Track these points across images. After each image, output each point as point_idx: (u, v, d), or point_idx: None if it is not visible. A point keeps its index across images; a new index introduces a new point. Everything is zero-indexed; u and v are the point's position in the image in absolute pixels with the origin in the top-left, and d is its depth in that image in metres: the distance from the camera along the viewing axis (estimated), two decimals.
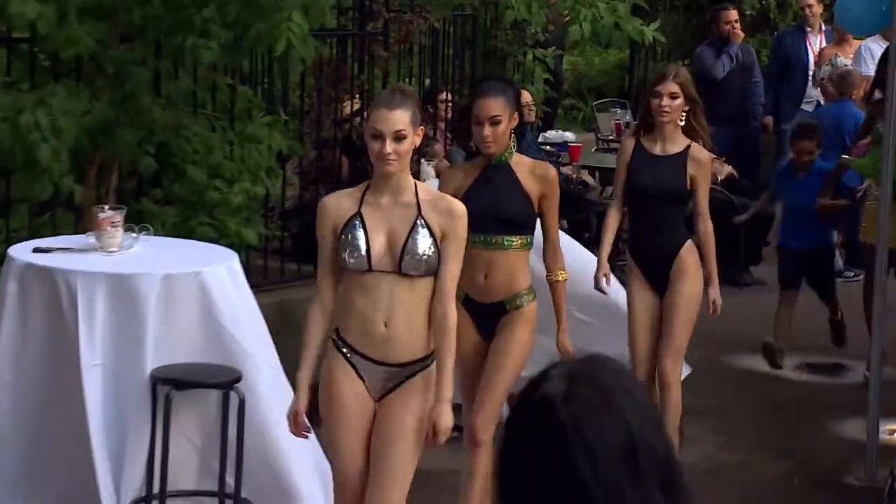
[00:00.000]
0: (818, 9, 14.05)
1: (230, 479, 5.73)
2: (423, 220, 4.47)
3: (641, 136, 6.33)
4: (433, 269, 4.52)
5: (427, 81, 11.33)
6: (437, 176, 9.47)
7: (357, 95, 10.64)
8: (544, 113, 12.14)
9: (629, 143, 6.35)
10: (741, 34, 13.31)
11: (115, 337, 5.71)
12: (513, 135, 5.13)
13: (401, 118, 4.44)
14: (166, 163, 8.32)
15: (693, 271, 6.20)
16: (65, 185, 7.75)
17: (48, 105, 7.42)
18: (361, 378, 4.53)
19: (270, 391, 5.92)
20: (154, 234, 6.83)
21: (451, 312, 4.55)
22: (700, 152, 6.18)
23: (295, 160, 9.99)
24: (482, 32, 10.95)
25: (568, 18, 9.68)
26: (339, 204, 4.60)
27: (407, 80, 11.16)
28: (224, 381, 5.93)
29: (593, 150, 12.71)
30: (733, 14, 13.38)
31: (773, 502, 7.66)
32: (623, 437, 1.96)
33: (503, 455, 2.11)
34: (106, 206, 6.70)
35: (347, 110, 10.62)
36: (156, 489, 5.66)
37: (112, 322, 5.73)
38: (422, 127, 4.71)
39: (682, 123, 6.15)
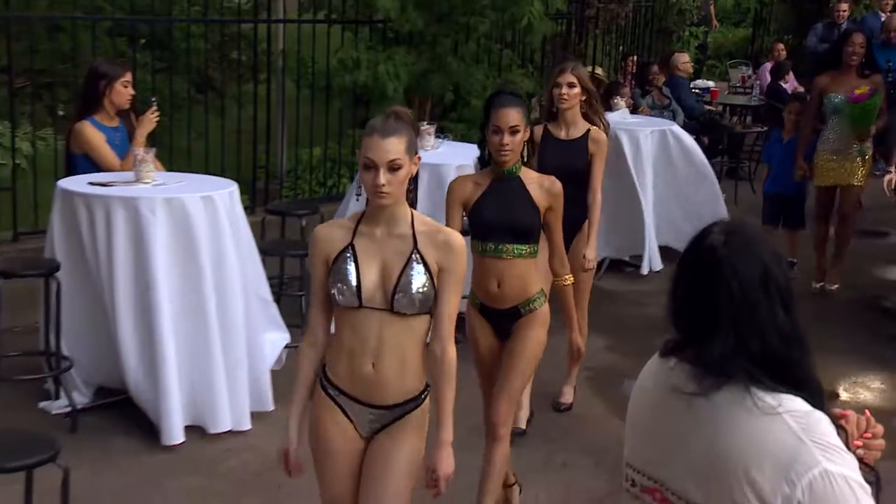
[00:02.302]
0: None
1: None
2: (418, 255, 3.59)
3: (548, 123, 5.98)
4: (428, 306, 3.62)
5: (621, 49, 12.05)
6: (626, 106, 9.67)
7: (577, 57, 10.59)
8: (694, 69, 12.59)
9: (538, 131, 5.84)
10: (844, 16, 12.75)
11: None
12: (526, 146, 4.53)
13: (395, 147, 3.51)
14: (459, 97, 9.54)
15: (587, 237, 5.99)
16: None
17: (393, 61, 8.90)
18: (349, 418, 3.73)
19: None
20: (449, 141, 8.20)
21: (451, 351, 3.67)
22: (598, 134, 5.86)
23: (537, 97, 9.75)
24: (658, 16, 11.82)
25: (713, 7, 11.52)
26: (331, 234, 3.72)
27: (610, 48, 11.84)
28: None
29: (726, 93, 13.28)
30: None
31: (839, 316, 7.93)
32: (760, 270, 2.32)
33: (676, 286, 2.46)
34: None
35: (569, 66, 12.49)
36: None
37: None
38: (418, 155, 3.68)
39: (583, 110, 5.89)
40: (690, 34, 13.06)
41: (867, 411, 2.53)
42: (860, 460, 2.32)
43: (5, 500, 4.00)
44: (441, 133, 8.09)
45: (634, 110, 9.87)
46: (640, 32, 12.07)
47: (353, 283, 3.57)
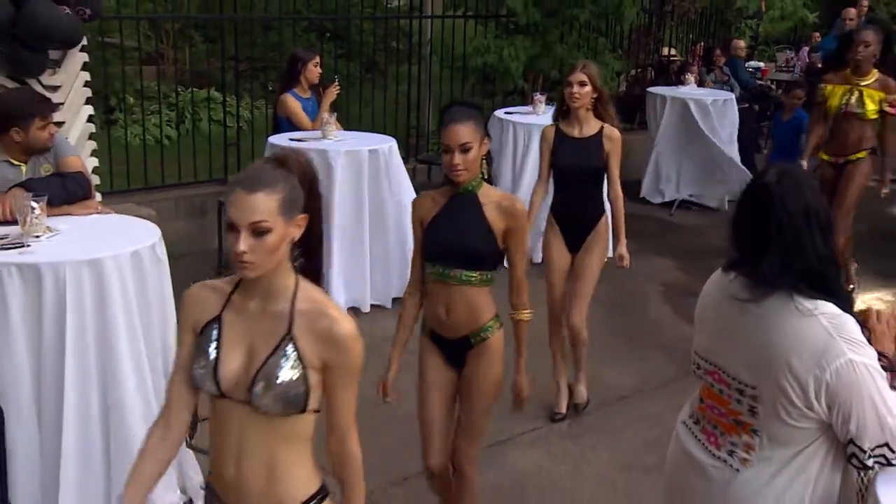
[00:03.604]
0: None
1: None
2: (292, 342, 2.14)
3: (560, 122, 4.66)
4: (300, 405, 2.14)
5: (691, 37, 11.80)
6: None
7: (655, 44, 11.23)
8: (748, 52, 12.23)
9: (551, 130, 4.65)
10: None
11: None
12: (484, 161, 3.26)
13: (263, 205, 2.08)
14: (563, 75, 10.47)
15: (605, 238, 4.72)
16: (519, 83, 9.13)
17: (514, 46, 8.79)
18: None
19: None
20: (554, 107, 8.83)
21: (351, 448, 2.25)
22: (612, 131, 4.57)
23: (623, 75, 10.56)
24: (720, 10, 11.46)
25: (765, 4, 10.58)
26: (202, 298, 2.26)
27: (682, 35, 11.55)
28: None
29: (774, 71, 12.94)
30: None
31: (856, 244, 6.91)
32: (804, 204, 2.25)
33: (737, 214, 2.37)
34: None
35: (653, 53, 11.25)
36: None
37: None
38: (304, 215, 2.17)
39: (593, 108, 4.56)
40: (746, 25, 12.69)
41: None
42: (879, 354, 2.27)
43: None
44: (549, 102, 7.82)
45: (701, 84, 9.69)
46: (706, 23, 11.79)
47: (212, 366, 2.18)
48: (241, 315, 2.22)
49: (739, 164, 8.57)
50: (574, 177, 4.56)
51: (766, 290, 2.26)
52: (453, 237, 3.25)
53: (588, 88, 4.52)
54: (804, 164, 6.39)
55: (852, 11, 10.38)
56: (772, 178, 2.30)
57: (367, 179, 5.90)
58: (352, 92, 8.34)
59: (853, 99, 6.08)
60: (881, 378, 2.19)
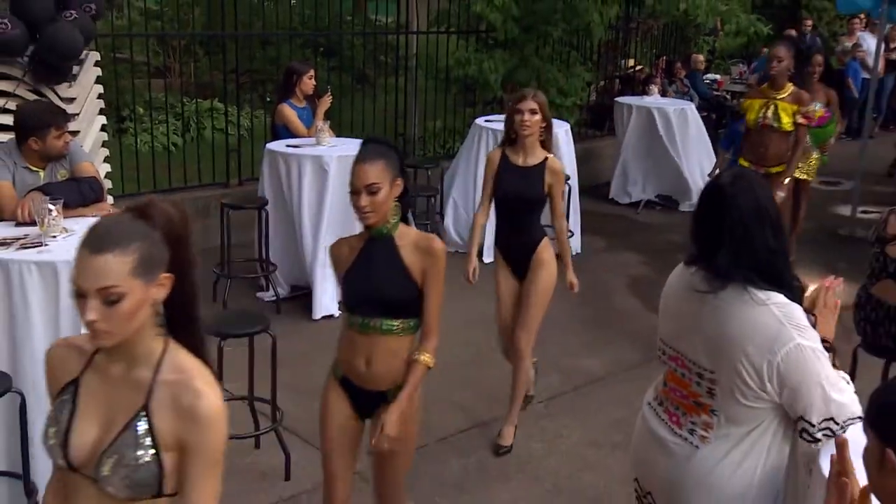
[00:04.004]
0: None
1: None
2: (146, 417, 1.70)
3: (506, 148, 4.20)
4: (149, 489, 1.69)
5: (654, 51, 11.67)
6: None
7: (622, 58, 11.18)
8: (706, 65, 12.33)
9: (496, 155, 4.22)
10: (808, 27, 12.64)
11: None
12: (398, 203, 2.80)
13: (113, 268, 1.63)
14: (539, 85, 8.72)
15: (548, 262, 4.20)
16: (498, 93, 8.97)
17: (493, 59, 8.73)
18: None
19: None
20: None
21: None
22: (555, 163, 4.13)
23: (593, 85, 10.57)
24: (680, 28, 11.46)
25: (721, 21, 10.20)
26: (65, 357, 1.82)
27: (646, 50, 11.41)
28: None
29: (728, 82, 12.78)
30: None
31: (805, 240, 7.11)
32: (755, 204, 2.26)
33: (696, 213, 2.37)
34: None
35: (621, 65, 11.23)
36: None
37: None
38: (168, 275, 1.75)
39: (541, 138, 4.14)
40: (703, 41, 12.91)
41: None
42: (823, 340, 2.30)
43: (236, 357, 4.01)
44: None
45: (664, 94, 9.76)
46: (667, 39, 11.83)
47: (62, 435, 1.76)
48: (102, 379, 1.77)
49: (685, 174, 8.66)
50: (515, 205, 4.17)
51: (723, 282, 2.26)
52: (371, 285, 2.79)
53: (538, 117, 4.11)
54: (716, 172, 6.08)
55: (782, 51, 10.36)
56: (726, 180, 2.31)
57: None
58: (344, 102, 8.31)
59: (769, 112, 5.88)
60: (825, 359, 2.23)
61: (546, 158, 4.16)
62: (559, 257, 4.29)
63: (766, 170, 5.91)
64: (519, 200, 4.14)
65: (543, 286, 4.22)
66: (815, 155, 6.82)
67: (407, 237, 2.83)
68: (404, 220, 2.86)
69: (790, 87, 5.91)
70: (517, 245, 4.24)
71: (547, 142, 4.18)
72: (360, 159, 2.74)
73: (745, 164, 5.98)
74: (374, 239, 2.83)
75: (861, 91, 10.92)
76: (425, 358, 2.82)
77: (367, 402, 2.88)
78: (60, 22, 4.84)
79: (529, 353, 4.30)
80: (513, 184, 4.16)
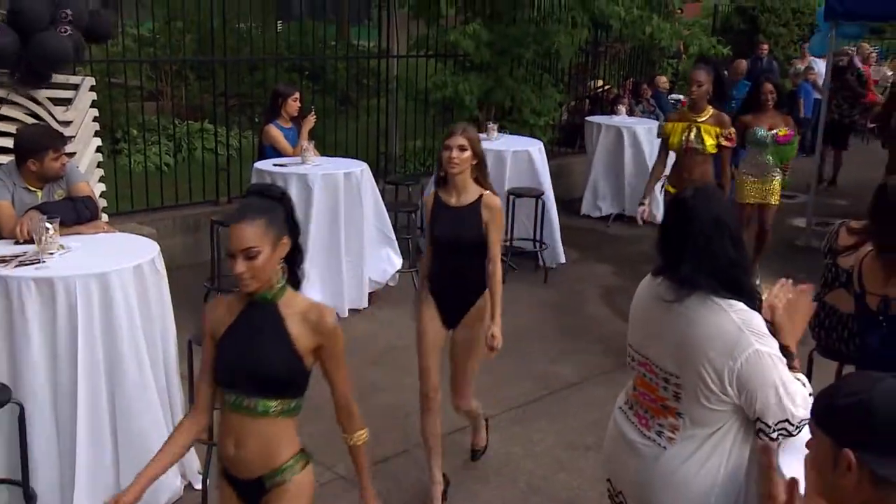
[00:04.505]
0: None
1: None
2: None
3: (439, 189, 3.70)
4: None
5: (622, 73, 11.64)
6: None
7: (591, 79, 11.11)
8: (670, 86, 12.23)
9: (430, 198, 3.74)
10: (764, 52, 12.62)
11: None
12: (284, 264, 2.32)
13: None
14: (514, 105, 9.19)
15: (485, 316, 3.62)
16: (474, 113, 8.84)
17: (469, 81, 8.70)
18: None
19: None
20: (507, 134, 7.86)
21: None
22: (491, 200, 3.62)
23: (564, 105, 10.51)
24: (646, 51, 11.40)
25: (684, 45, 10.47)
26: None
27: (614, 72, 11.43)
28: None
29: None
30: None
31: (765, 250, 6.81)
32: (716, 216, 2.27)
33: (661, 226, 2.39)
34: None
35: (590, 86, 11.07)
36: None
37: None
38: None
39: (474, 175, 3.62)
40: (668, 63, 12.91)
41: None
42: (781, 346, 2.32)
43: None
44: (501, 129, 7.98)
45: (631, 113, 9.78)
46: (634, 62, 11.86)
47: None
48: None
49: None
50: (450, 248, 3.64)
51: (687, 291, 2.27)
52: (247, 358, 2.28)
53: (468, 154, 3.59)
54: (644, 203, 5.73)
55: (743, 64, 10.58)
56: (689, 194, 2.34)
57: (342, 199, 5.86)
58: (328, 122, 8.30)
59: (692, 135, 5.55)
60: (782, 364, 2.25)
61: (482, 196, 3.64)
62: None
63: None
64: (455, 243, 3.61)
65: (481, 341, 3.62)
66: (776, 178, 6.59)
67: (294, 305, 2.32)
68: (294, 283, 2.37)
69: (710, 110, 5.61)
70: (454, 292, 3.66)
71: (481, 178, 3.67)
72: (237, 218, 2.22)
73: (671, 189, 5.73)
74: (254, 305, 2.32)
75: (813, 111, 11.02)
76: (359, 438, 2.45)
77: (249, 493, 2.35)
78: (50, 31, 4.83)
79: (476, 407, 3.93)
80: (447, 226, 3.64)
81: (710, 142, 5.57)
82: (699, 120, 5.60)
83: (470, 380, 3.78)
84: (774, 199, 6.62)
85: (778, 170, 6.55)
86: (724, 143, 5.58)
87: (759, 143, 6.42)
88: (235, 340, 2.32)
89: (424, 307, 3.71)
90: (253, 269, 2.23)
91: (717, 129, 5.58)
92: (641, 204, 5.75)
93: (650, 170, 6.19)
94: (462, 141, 3.59)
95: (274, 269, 2.29)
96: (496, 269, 3.60)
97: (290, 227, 2.32)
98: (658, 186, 6.21)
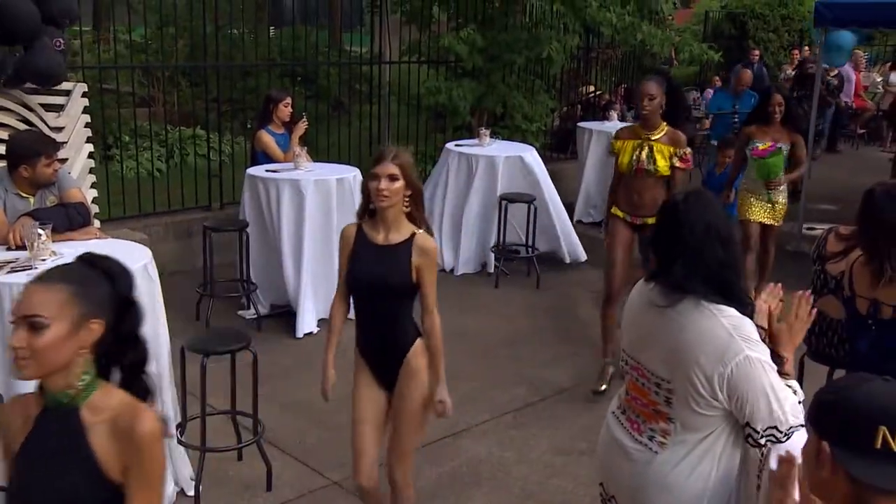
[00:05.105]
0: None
1: None
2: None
3: (364, 222, 3.12)
4: None
5: (614, 79, 11.74)
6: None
7: (582, 85, 11.12)
8: None
9: (351, 231, 3.13)
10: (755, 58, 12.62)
11: None
12: (94, 356, 1.72)
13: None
14: (506, 111, 9.25)
15: (421, 370, 3.10)
16: (466, 119, 8.98)
17: (462, 87, 8.76)
18: None
19: None
20: (499, 140, 7.87)
21: None
22: (426, 241, 3.05)
23: (556, 111, 10.55)
24: (637, 57, 11.46)
25: (675, 51, 10.33)
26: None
27: (606, 78, 11.45)
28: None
29: None
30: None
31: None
32: (706, 220, 2.28)
33: (654, 232, 2.40)
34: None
35: (582, 91, 11.13)
36: None
37: None
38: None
39: (407, 209, 3.06)
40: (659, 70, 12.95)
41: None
42: (772, 351, 2.33)
43: (219, 373, 3.99)
44: (494, 135, 7.99)
45: (623, 119, 9.74)
46: (625, 68, 11.90)
47: None
48: None
49: None
50: (373, 293, 3.05)
51: (679, 295, 2.28)
52: (37, 484, 1.69)
53: (400, 184, 3.00)
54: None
55: (748, 74, 10.26)
56: (679, 198, 2.35)
57: (335, 204, 5.82)
58: (320, 128, 8.29)
59: (643, 154, 4.90)
60: (772, 371, 2.25)
61: (414, 235, 3.05)
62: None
63: (641, 220, 5.00)
64: (379, 289, 3.03)
65: (416, 405, 3.11)
66: (781, 200, 6.14)
67: (104, 409, 1.71)
68: (132, 389, 1.76)
69: (664, 127, 4.94)
70: (381, 346, 3.12)
71: (416, 213, 3.08)
72: (35, 278, 1.72)
73: (619, 213, 5.10)
74: (50, 411, 1.72)
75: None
76: None
77: None
78: (44, 44, 4.84)
79: (410, 483, 3.25)
80: (370, 267, 3.05)
81: (662, 163, 4.90)
82: (652, 138, 4.93)
83: (407, 450, 3.18)
84: (770, 220, 6.18)
85: (782, 188, 6.09)
86: (677, 164, 4.92)
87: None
88: (27, 457, 1.73)
89: (357, 371, 3.16)
90: (33, 346, 1.65)
91: (672, 149, 4.91)
92: (606, 226, 5.14)
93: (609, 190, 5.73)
94: (393, 169, 3.00)
95: (70, 359, 1.69)
96: (433, 323, 3.08)
97: (114, 311, 1.75)
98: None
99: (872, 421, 1.42)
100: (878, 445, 1.40)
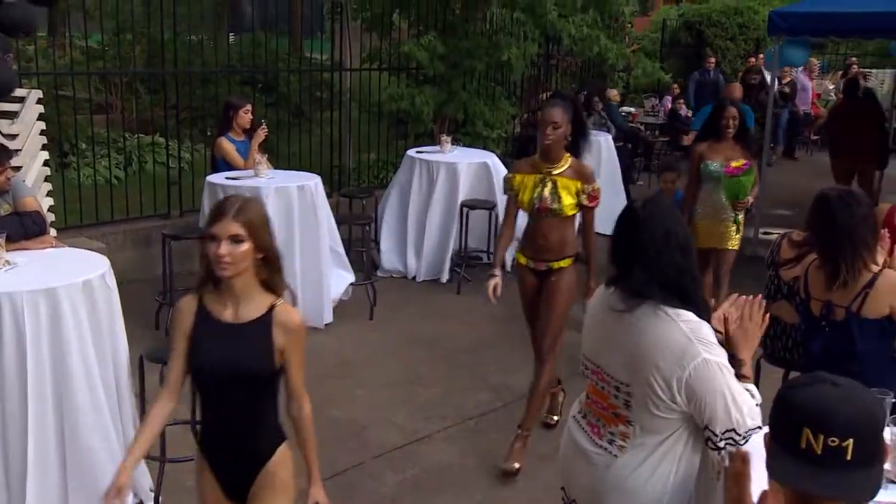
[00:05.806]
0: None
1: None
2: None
3: (205, 295, 2.44)
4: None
5: (573, 86, 11.70)
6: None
7: (543, 92, 10.84)
8: (621, 99, 12.43)
9: (189, 305, 2.45)
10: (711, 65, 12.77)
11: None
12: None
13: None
14: (467, 118, 9.29)
15: (286, 486, 2.47)
16: (429, 126, 9.04)
17: (423, 94, 8.77)
18: None
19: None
20: (461, 147, 7.88)
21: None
22: (289, 315, 2.41)
23: (517, 118, 10.53)
24: (596, 65, 11.53)
25: (631, 64, 10.82)
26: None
27: (566, 85, 11.41)
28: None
29: (642, 115, 12.81)
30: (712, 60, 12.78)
31: None
32: (665, 226, 2.29)
33: (613, 238, 2.39)
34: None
35: (542, 98, 10.78)
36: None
37: None
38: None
39: (262, 276, 2.41)
40: (618, 76, 13.13)
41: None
42: (729, 355, 2.36)
43: None
44: (455, 142, 8.00)
45: None
46: (585, 75, 12.03)
47: None
48: None
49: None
50: (222, 386, 2.41)
51: (638, 300, 2.30)
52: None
53: (246, 247, 2.37)
54: (496, 275, 4.25)
55: (738, 88, 9.82)
56: (638, 205, 2.36)
57: (297, 212, 5.79)
58: (281, 135, 8.26)
59: (546, 191, 4.21)
60: (730, 374, 2.28)
61: (273, 307, 2.43)
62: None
63: (547, 265, 4.33)
64: (228, 379, 2.39)
65: None
66: (732, 222, 5.53)
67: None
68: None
69: (568, 159, 4.24)
70: (231, 454, 2.48)
71: (274, 279, 2.46)
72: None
73: (522, 260, 4.43)
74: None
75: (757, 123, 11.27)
76: None
77: None
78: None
79: None
80: (216, 351, 2.40)
81: (568, 201, 4.21)
82: (554, 172, 4.22)
83: None
84: (731, 244, 5.55)
85: (728, 207, 5.47)
86: (585, 202, 4.24)
87: (711, 177, 5.44)
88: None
89: (201, 479, 2.55)
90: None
91: (578, 184, 4.22)
92: (493, 276, 4.23)
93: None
94: (236, 229, 2.35)
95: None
96: (303, 411, 2.51)
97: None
98: (509, 256, 5.11)
99: (800, 422, 1.48)
100: (803, 446, 1.46)
